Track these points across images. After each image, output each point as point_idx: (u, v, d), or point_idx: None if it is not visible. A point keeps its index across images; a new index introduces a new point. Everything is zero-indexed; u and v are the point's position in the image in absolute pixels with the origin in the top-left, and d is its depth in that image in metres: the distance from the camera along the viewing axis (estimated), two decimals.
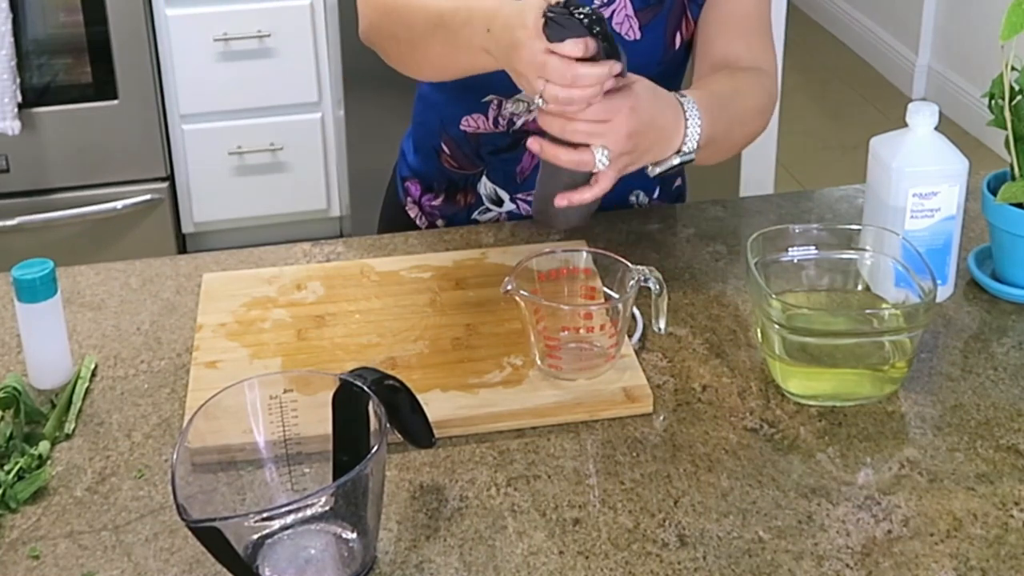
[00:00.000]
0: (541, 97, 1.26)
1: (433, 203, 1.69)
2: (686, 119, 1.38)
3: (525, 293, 1.28)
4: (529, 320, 1.30)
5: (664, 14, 1.51)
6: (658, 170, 1.40)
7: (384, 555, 1.11)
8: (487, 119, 1.58)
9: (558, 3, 1.24)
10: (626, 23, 1.50)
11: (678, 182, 1.74)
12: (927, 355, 1.37)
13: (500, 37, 1.29)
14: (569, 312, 1.32)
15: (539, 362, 1.31)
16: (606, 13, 1.49)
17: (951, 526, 1.15)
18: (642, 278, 1.30)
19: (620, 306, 1.30)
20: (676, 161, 1.39)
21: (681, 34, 1.54)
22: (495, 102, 1.57)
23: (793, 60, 3.69)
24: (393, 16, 1.45)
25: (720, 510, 1.16)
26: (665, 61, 1.54)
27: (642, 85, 1.33)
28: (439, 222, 1.69)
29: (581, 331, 1.31)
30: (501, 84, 1.54)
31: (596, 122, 1.29)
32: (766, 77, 1.54)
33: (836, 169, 4.04)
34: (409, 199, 1.71)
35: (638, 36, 1.51)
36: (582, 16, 1.23)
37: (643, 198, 1.68)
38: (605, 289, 1.37)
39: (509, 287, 1.28)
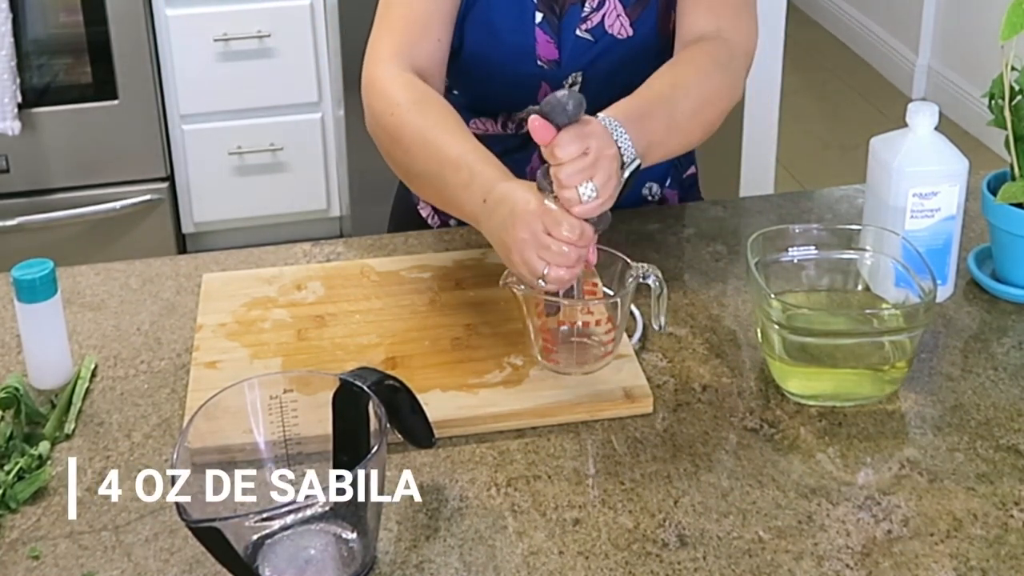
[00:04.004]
0: (543, 279, 1.24)
1: None
2: (614, 137, 1.30)
3: (523, 287, 1.28)
4: (528, 314, 1.30)
5: (653, 5, 1.51)
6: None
7: (384, 555, 1.11)
8: (496, 123, 1.58)
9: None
10: (617, 23, 1.50)
11: (692, 170, 1.72)
12: (927, 355, 1.37)
13: (495, 211, 1.27)
14: (568, 306, 1.32)
15: (538, 357, 1.31)
16: (596, 18, 1.49)
17: (951, 526, 1.15)
18: (641, 275, 1.30)
19: (619, 300, 1.30)
20: (626, 175, 1.31)
21: (672, 22, 1.53)
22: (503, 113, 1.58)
23: (793, 60, 3.68)
24: (394, 144, 1.40)
25: (720, 510, 1.16)
26: (660, 48, 1.53)
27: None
28: (452, 221, 1.68)
29: (579, 325, 1.31)
30: (511, 104, 1.54)
31: (579, 159, 1.22)
32: (723, 49, 1.45)
33: (836, 169, 4.04)
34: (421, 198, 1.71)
35: (630, 33, 1.50)
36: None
37: (656, 190, 1.67)
38: (603, 288, 1.37)
39: (509, 280, 1.28)
